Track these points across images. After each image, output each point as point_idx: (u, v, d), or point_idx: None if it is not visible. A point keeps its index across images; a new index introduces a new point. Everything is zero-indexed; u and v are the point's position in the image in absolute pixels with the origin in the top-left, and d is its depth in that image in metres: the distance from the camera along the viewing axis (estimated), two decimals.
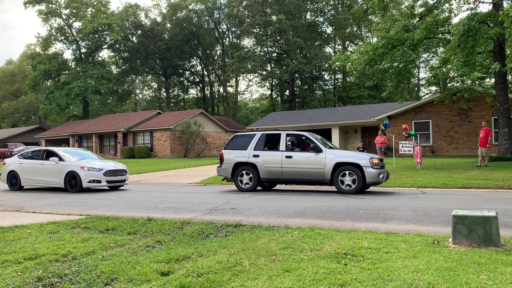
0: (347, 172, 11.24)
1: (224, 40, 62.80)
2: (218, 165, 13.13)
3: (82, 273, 4.65)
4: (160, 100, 70.66)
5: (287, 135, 12.42)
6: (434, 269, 4.32)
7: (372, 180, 11.10)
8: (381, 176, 11.20)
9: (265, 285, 4.03)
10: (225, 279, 4.24)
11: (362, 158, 11.29)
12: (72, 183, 13.54)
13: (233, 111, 61.74)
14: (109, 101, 63.93)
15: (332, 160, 11.36)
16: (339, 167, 11.33)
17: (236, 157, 12.60)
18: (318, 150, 11.68)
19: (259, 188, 12.79)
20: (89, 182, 13.43)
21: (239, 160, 12.54)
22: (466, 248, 5.13)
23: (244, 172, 12.46)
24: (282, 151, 12.11)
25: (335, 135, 32.35)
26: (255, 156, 12.37)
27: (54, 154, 14.38)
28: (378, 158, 11.56)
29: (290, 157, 11.91)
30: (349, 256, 4.87)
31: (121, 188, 14.60)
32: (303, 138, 12.52)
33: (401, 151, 20.25)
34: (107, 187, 14.24)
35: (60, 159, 14.06)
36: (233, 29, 59.09)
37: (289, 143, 12.32)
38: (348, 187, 11.22)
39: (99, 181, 13.55)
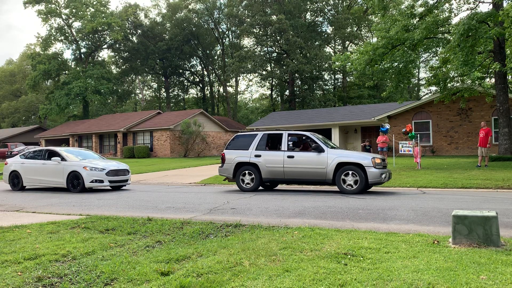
0: (349, 172, 11.21)
1: (224, 40, 62.76)
2: (220, 165, 13.10)
3: (82, 273, 4.65)
4: (160, 100, 70.65)
5: (289, 135, 12.40)
6: (434, 269, 4.32)
7: (375, 180, 11.09)
8: (383, 176, 11.19)
9: (265, 285, 4.03)
10: (225, 279, 4.24)
11: (365, 158, 11.28)
12: (75, 183, 13.53)
13: (233, 111, 61.70)
14: (109, 101, 63.91)
15: (334, 160, 11.35)
16: (341, 167, 11.31)
17: (238, 157, 12.58)
18: (320, 150, 11.67)
19: (260, 188, 12.79)
20: (92, 182, 13.41)
21: (241, 160, 12.52)
22: (466, 248, 5.13)
23: (246, 172, 12.44)
24: (284, 151, 12.10)
25: (335, 135, 32.34)
26: (257, 156, 12.35)
27: (56, 154, 14.35)
28: (380, 158, 11.54)
29: (292, 157, 11.90)
30: (349, 256, 4.87)
31: (123, 188, 14.61)
32: (305, 138, 12.50)
33: (401, 151, 20.24)
34: (109, 187, 14.22)
35: (63, 159, 14.04)
36: (233, 29, 59.05)
37: (291, 143, 12.30)
38: (350, 187, 11.20)
39: (101, 181, 13.53)
